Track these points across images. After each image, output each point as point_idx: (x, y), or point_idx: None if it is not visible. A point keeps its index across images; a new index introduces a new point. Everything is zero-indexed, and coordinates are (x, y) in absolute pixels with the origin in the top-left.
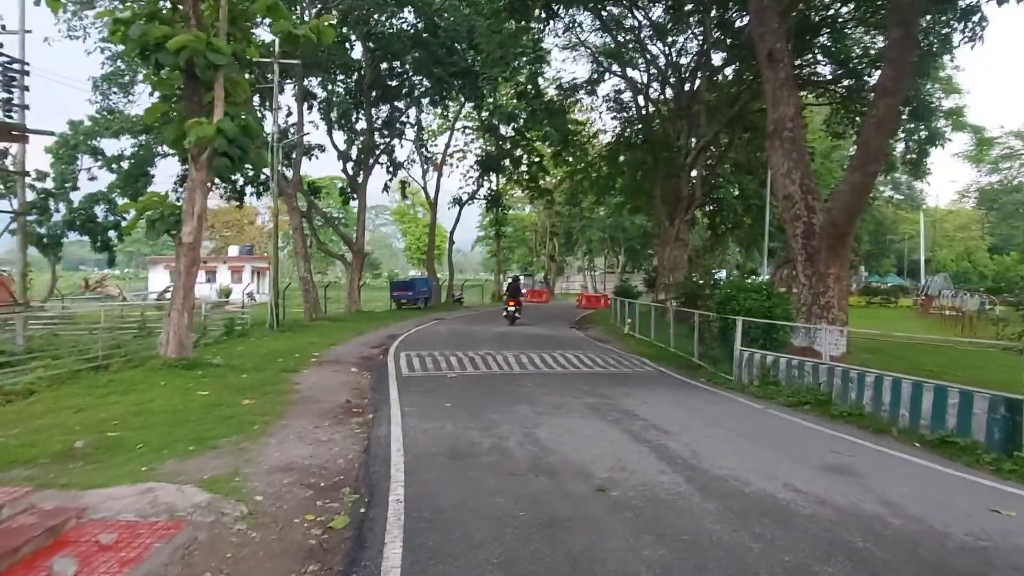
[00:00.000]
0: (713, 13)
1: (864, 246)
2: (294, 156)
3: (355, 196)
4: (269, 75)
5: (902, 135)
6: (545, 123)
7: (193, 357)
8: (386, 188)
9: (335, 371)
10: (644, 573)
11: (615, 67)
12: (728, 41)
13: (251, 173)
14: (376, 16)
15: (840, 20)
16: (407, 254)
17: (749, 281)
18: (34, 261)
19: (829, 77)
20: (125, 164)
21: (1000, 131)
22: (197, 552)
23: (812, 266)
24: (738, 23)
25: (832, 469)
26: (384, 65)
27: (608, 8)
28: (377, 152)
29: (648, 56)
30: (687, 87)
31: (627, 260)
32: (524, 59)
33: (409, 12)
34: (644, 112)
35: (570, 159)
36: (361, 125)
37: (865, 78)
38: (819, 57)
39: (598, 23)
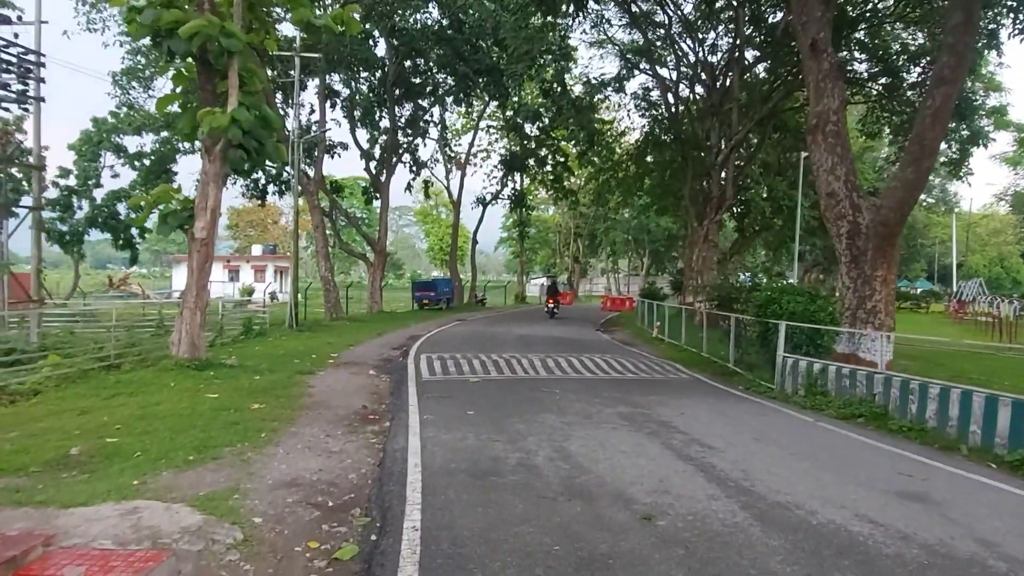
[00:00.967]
0: (746, 8)
1: None
2: (316, 153)
3: (378, 195)
4: (291, 71)
5: None
6: (571, 121)
7: (206, 357)
8: (409, 188)
9: (352, 373)
10: None
11: (644, 64)
12: (760, 38)
13: (273, 171)
14: (400, 12)
15: (879, 15)
16: (429, 255)
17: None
18: (58, 258)
19: (864, 75)
20: (147, 161)
21: None
22: None
23: (857, 268)
24: (771, 18)
25: (906, 495)
26: (408, 63)
27: (638, 3)
28: (400, 151)
29: (678, 53)
30: (719, 84)
31: (651, 262)
32: (550, 56)
33: (433, 8)
34: (674, 110)
35: (596, 159)
36: (384, 123)
37: (903, 75)
38: (855, 54)
39: (626, 19)
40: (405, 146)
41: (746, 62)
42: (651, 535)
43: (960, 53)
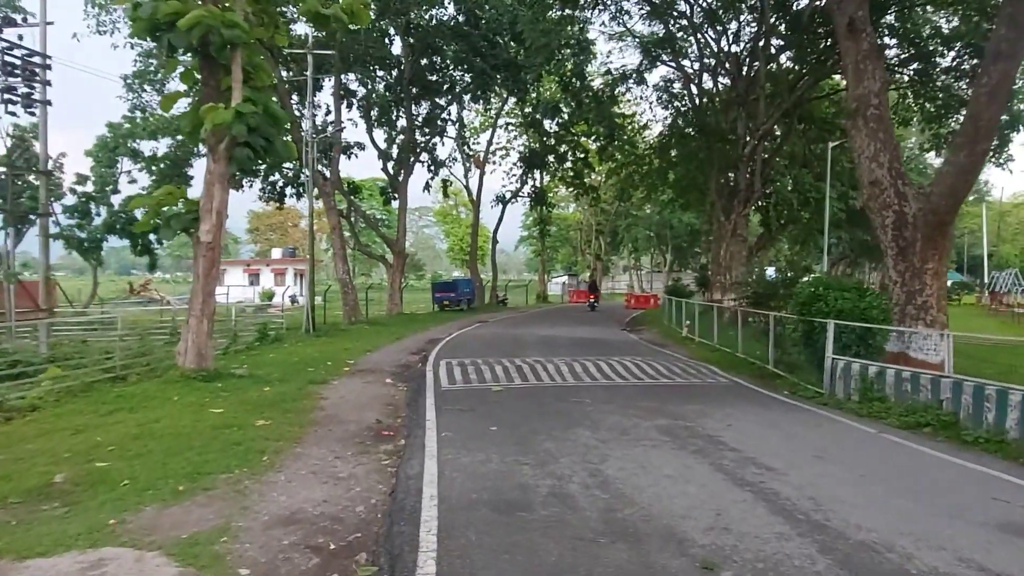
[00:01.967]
0: None
1: None
2: (332, 154)
3: (396, 196)
4: (306, 71)
5: None
6: (591, 116)
7: (214, 367)
8: (427, 187)
9: (367, 382)
10: None
11: (666, 56)
12: (785, 25)
13: (290, 173)
14: (416, 10)
15: None
16: (450, 255)
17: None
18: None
19: (895, 60)
20: (162, 165)
21: None
22: None
23: (905, 260)
24: (796, 5)
25: (1011, 529)
26: (424, 60)
27: None
28: (418, 150)
29: (700, 43)
30: (744, 73)
31: (674, 258)
32: (568, 50)
33: (450, 4)
34: (697, 102)
35: (618, 155)
36: (401, 123)
37: (936, 60)
38: (885, 39)
39: (647, 9)
40: (423, 145)
41: (772, 49)
42: None
43: (1020, 25)
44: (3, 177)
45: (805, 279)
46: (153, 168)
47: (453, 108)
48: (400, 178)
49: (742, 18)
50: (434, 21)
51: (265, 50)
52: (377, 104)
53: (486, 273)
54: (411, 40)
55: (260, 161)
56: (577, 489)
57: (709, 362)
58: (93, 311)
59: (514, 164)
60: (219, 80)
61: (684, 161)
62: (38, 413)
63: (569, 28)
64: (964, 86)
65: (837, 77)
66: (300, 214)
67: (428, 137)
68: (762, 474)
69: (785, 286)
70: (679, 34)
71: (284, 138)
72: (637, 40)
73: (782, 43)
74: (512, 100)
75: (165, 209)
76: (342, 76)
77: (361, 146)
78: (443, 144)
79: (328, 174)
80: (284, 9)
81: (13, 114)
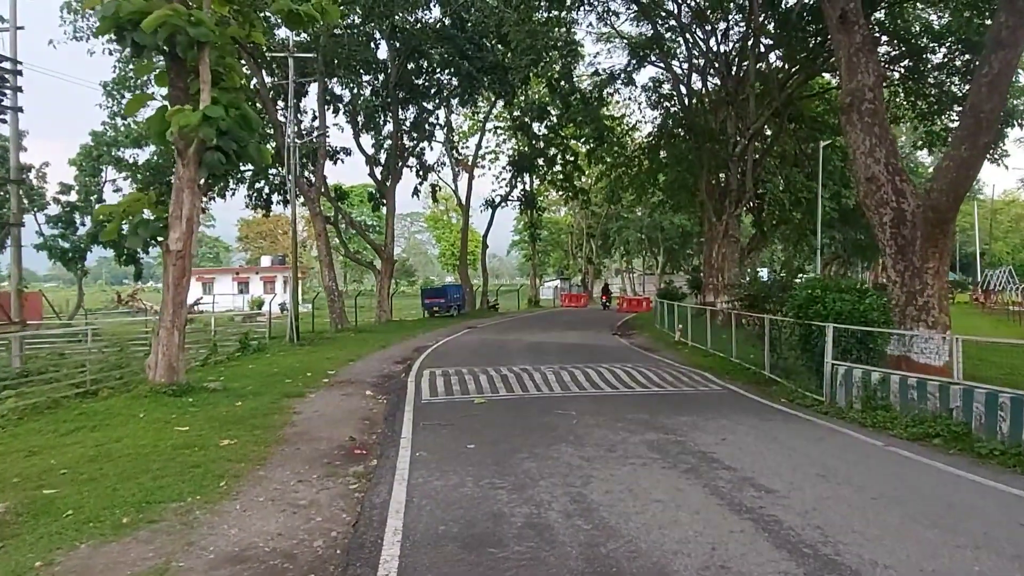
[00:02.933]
0: None
1: None
2: (317, 159)
3: (384, 202)
4: (291, 76)
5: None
6: (579, 117)
7: (186, 381)
8: (416, 192)
9: (346, 395)
10: None
11: (654, 56)
12: (774, 25)
13: (277, 180)
14: (400, 13)
15: None
16: (441, 260)
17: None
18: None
19: (885, 58)
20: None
21: None
22: None
23: (905, 260)
24: (783, 4)
25: None
26: (411, 65)
27: None
28: (406, 155)
29: (689, 43)
30: (733, 72)
31: (666, 261)
32: (556, 52)
33: (435, 7)
34: (687, 102)
35: (608, 158)
36: (388, 128)
37: (927, 56)
38: (876, 36)
39: (635, 9)
40: (411, 150)
41: (762, 48)
42: None
43: (1021, 11)
44: None
45: (797, 280)
46: (139, 176)
47: (441, 112)
48: (388, 183)
49: (731, 18)
50: (419, 24)
51: (247, 54)
52: (363, 109)
53: (478, 278)
54: (396, 44)
55: (232, 166)
56: (557, 518)
57: (702, 368)
58: (78, 322)
59: (503, 168)
60: (187, 82)
61: (674, 162)
62: None
63: (556, 30)
64: (957, 82)
65: (827, 76)
66: (290, 221)
67: (416, 142)
68: (761, 498)
69: (781, 288)
70: (667, 35)
71: (257, 142)
72: (625, 41)
73: (771, 42)
74: (500, 103)
75: (132, 217)
76: (327, 81)
77: (348, 151)
78: (431, 149)
79: (313, 180)
80: (262, 11)
81: None
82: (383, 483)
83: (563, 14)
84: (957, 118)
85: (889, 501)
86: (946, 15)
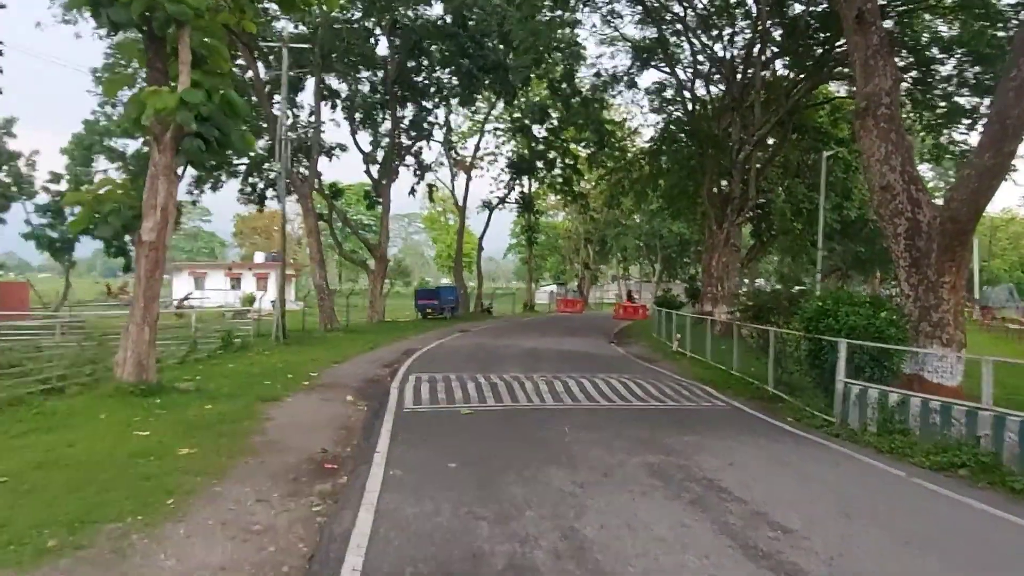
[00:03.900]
0: None
1: None
2: (312, 154)
3: (379, 200)
4: (292, 68)
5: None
6: (580, 119)
7: (156, 380)
8: (412, 192)
9: (325, 400)
10: None
11: (659, 61)
12: (781, 31)
13: (271, 174)
14: (401, 9)
15: (909, 3)
16: (437, 262)
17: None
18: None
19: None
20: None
21: None
22: None
23: (919, 273)
24: (790, 11)
25: None
26: (411, 62)
27: None
28: (403, 154)
29: (695, 47)
30: (739, 78)
31: (663, 268)
32: (559, 54)
33: (437, 2)
34: (690, 107)
35: (609, 163)
36: (386, 126)
37: (936, 67)
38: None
39: (640, 13)
40: (408, 148)
41: (769, 53)
42: None
43: None
44: None
45: (794, 291)
46: (131, 168)
47: (440, 112)
48: (384, 182)
49: (737, 25)
50: (420, 20)
51: (242, 44)
52: (361, 106)
53: (473, 280)
54: (396, 40)
55: (213, 155)
56: (544, 559)
57: (702, 381)
58: (63, 315)
59: (502, 170)
60: (166, 62)
61: (676, 167)
62: None
63: (559, 31)
64: (967, 94)
65: (832, 86)
66: (287, 218)
67: (414, 141)
68: (778, 539)
69: (788, 299)
70: (672, 39)
71: (242, 130)
72: (629, 44)
73: (777, 50)
74: (500, 104)
75: (104, 205)
76: (325, 76)
77: (343, 147)
78: (430, 148)
79: (307, 175)
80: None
81: None
82: (349, 508)
83: (566, 15)
84: (965, 130)
85: (924, 545)
86: (956, 26)
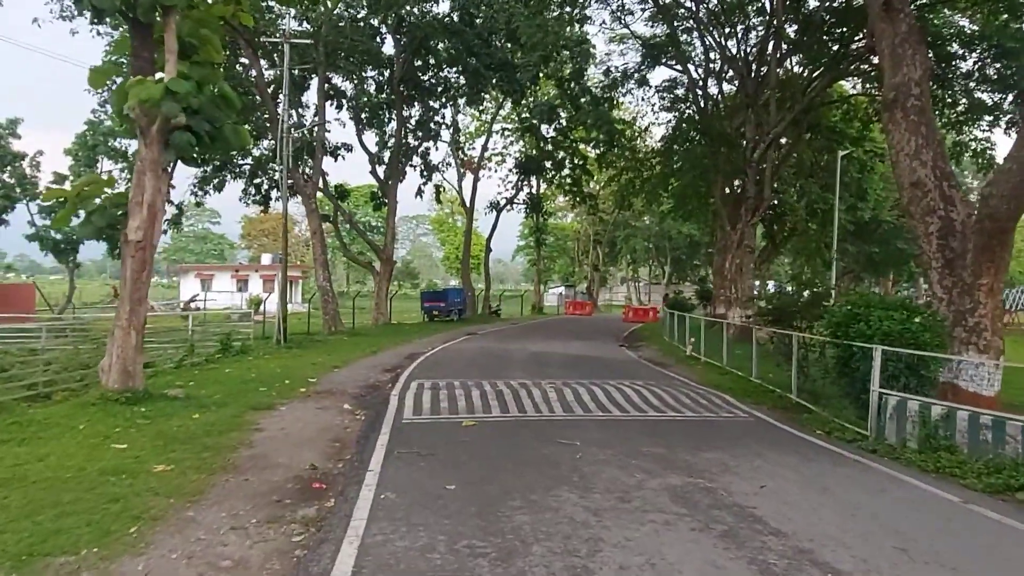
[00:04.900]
0: None
1: None
2: (314, 153)
3: (385, 201)
4: (295, 66)
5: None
6: (589, 119)
7: (144, 387)
8: (419, 193)
9: (321, 408)
10: None
11: (667, 58)
12: (796, 29)
13: (276, 175)
14: (407, 6)
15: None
16: (445, 263)
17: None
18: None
19: None
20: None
21: None
22: None
23: (953, 275)
24: (806, 6)
25: None
26: (418, 61)
27: None
28: (410, 154)
29: (707, 44)
30: (753, 75)
31: (673, 270)
32: (567, 52)
33: (444, 1)
34: (703, 105)
35: (619, 163)
36: (393, 126)
37: (956, 63)
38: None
39: (651, 8)
40: (415, 149)
41: (781, 51)
42: None
43: None
44: None
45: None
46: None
47: (447, 111)
48: (390, 183)
49: (750, 20)
50: (426, 17)
51: (244, 41)
52: (367, 105)
53: (481, 282)
54: (402, 38)
55: (205, 150)
56: None
57: (720, 388)
58: (67, 317)
59: (510, 170)
60: (152, 51)
61: (688, 167)
62: None
63: (568, 29)
64: (988, 89)
65: (847, 85)
66: (294, 219)
67: (420, 141)
68: None
69: (813, 303)
70: (683, 36)
71: (234, 123)
72: (640, 42)
73: (792, 46)
74: (508, 104)
75: (88, 203)
76: (331, 75)
77: (349, 147)
78: (436, 148)
79: (311, 175)
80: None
81: None
82: (331, 540)
83: (575, 11)
84: (987, 127)
85: None
86: (978, 19)
